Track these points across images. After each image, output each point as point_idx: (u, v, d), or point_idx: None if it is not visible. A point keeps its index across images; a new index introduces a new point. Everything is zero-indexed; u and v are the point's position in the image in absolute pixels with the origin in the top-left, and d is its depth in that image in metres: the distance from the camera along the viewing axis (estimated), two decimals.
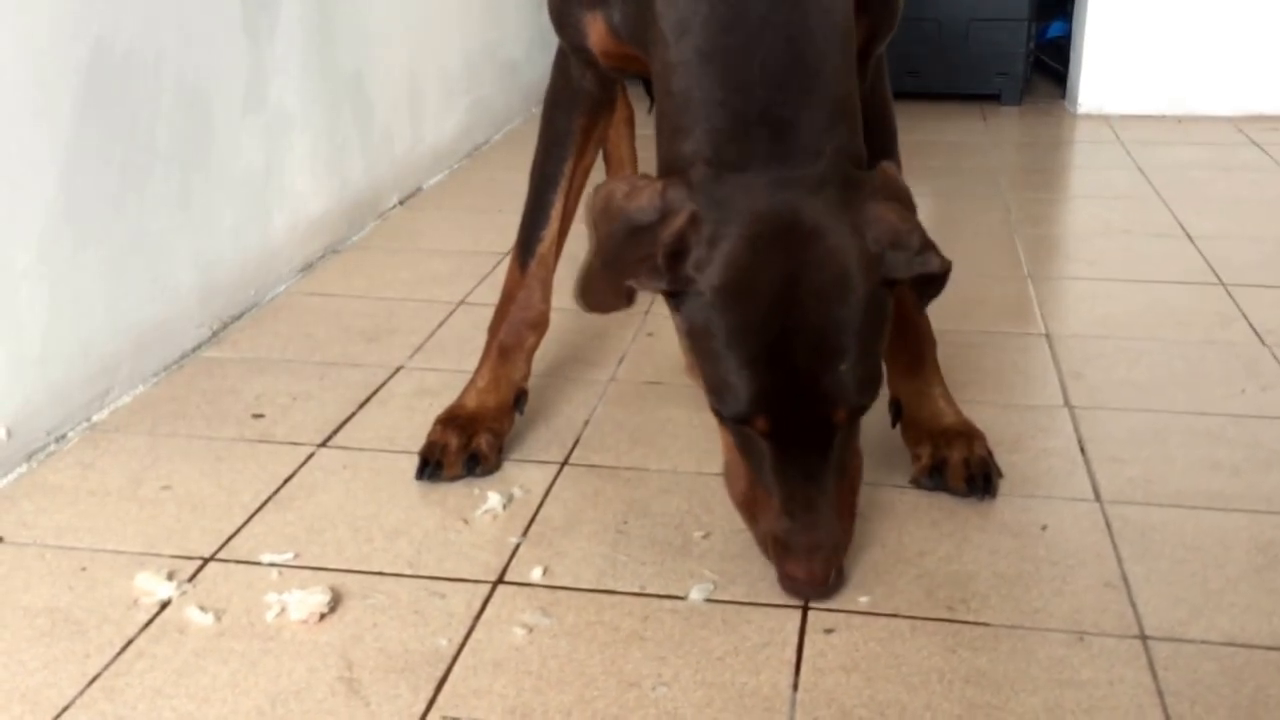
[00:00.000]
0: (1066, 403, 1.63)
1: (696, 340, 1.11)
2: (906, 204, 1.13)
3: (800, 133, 1.07)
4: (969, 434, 1.42)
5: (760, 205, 1.07)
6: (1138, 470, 1.45)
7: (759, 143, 1.07)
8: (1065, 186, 2.96)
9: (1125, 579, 1.23)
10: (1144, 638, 1.14)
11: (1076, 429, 1.56)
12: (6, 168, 1.43)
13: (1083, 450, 1.50)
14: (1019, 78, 3.59)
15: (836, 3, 1.12)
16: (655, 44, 1.15)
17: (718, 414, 1.15)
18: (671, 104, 1.12)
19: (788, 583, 1.18)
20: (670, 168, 1.12)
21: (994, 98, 3.64)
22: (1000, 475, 1.40)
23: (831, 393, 1.09)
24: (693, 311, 1.10)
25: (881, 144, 1.41)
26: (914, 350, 1.44)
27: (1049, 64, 3.95)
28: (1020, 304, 2.01)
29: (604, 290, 1.15)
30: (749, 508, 1.20)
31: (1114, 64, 3.46)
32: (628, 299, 1.15)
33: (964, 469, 1.38)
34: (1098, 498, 1.39)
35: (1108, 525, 1.33)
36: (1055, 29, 3.91)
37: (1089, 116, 3.48)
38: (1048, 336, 1.87)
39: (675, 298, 1.12)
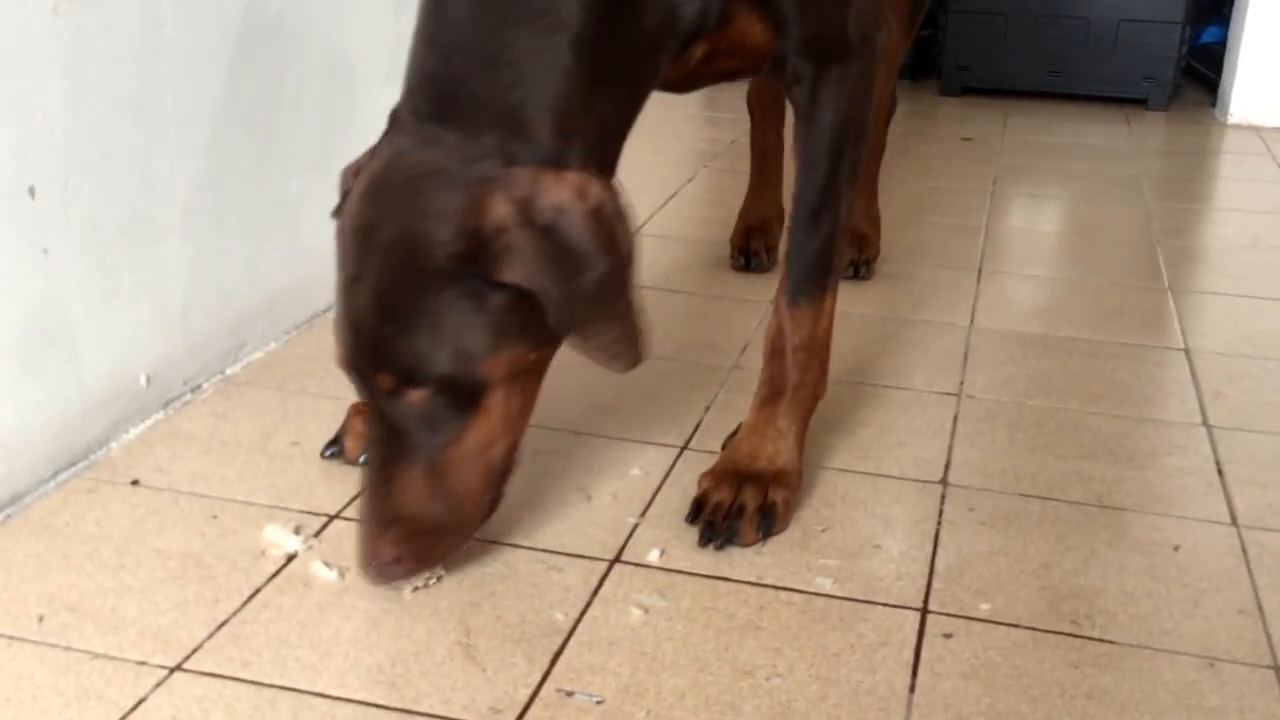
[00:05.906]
0: (1205, 421, 1.58)
1: None
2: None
3: (458, 103, 1.06)
4: (767, 480, 1.30)
5: (384, 156, 1.09)
6: (1278, 495, 1.40)
7: (423, 102, 1.08)
8: (1211, 197, 2.87)
9: (1260, 607, 1.19)
10: (1278, 669, 1.10)
11: (1214, 449, 1.51)
12: (160, 124, 1.46)
13: (1220, 471, 1.45)
14: (1168, 83, 3.49)
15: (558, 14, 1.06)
16: None
17: None
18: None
19: None
20: None
21: (1140, 102, 3.54)
22: (766, 534, 1.27)
23: (364, 351, 1.09)
24: None
25: (821, 172, 1.31)
26: (776, 382, 1.35)
27: (1200, 70, 3.82)
28: (1160, 317, 1.96)
29: None
30: None
31: (1271, 73, 3.34)
32: None
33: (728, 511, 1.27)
34: (1234, 521, 1.35)
35: (1244, 550, 1.29)
36: (1210, 34, 3.79)
37: (1239, 127, 3.36)
38: (1187, 352, 1.81)
39: None
